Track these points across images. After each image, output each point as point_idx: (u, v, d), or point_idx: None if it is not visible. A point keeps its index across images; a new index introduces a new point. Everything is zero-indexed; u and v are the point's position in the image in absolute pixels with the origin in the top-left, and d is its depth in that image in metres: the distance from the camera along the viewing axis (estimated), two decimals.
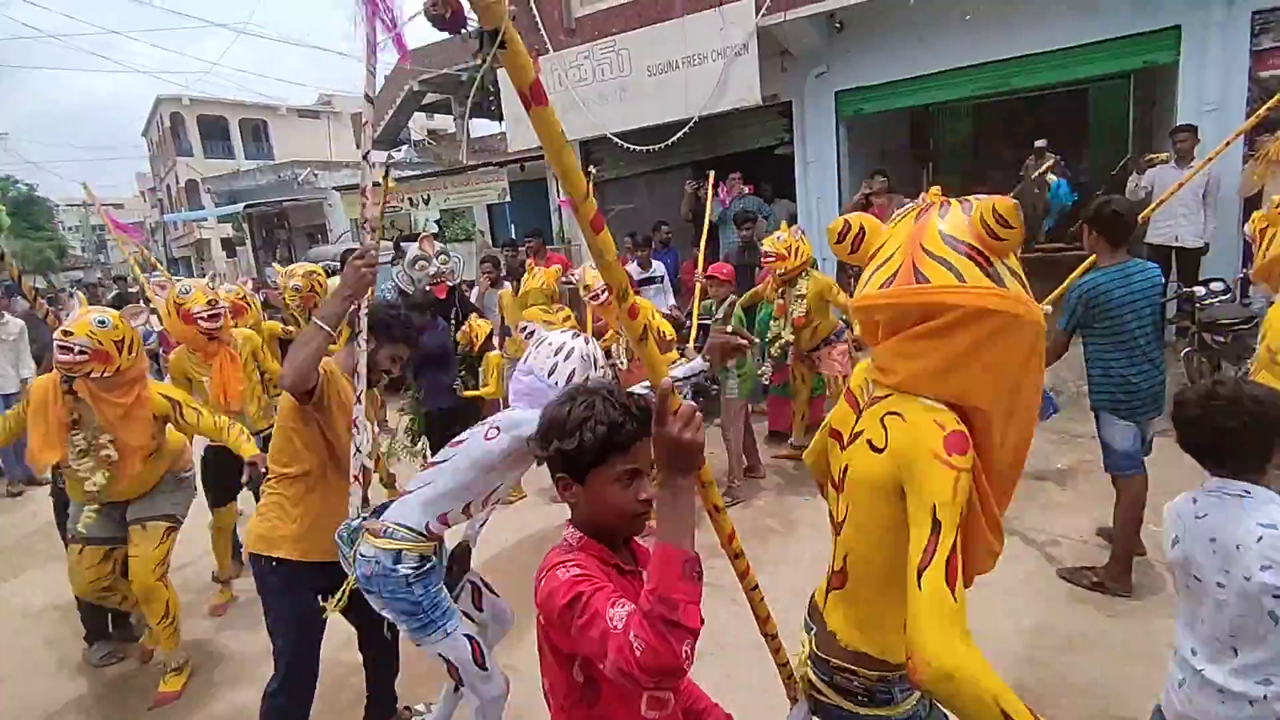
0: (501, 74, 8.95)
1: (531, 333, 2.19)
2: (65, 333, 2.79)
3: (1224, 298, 5.14)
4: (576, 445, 1.21)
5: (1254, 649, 1.50)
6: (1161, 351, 3.23)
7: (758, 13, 6.96)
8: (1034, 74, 6.73)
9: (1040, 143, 7.76)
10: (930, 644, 1.03)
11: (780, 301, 4.89)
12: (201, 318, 3.62)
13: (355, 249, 2.51)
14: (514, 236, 10.52)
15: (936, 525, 1.09)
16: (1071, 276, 3.40)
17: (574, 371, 2.03)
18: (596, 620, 1.09)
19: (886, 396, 1.27)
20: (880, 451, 1.22)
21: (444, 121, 23.42)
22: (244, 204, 18.17)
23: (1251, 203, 5.42)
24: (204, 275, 22.24)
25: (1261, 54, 5.75)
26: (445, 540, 2.29)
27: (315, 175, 18.33)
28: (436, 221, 13.41)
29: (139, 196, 41.05)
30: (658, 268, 6.49)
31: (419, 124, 23.89)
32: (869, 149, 8.43)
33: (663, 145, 7.87)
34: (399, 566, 2.07)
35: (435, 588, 2.15)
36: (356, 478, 2.25)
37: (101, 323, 2.83)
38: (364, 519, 2.19)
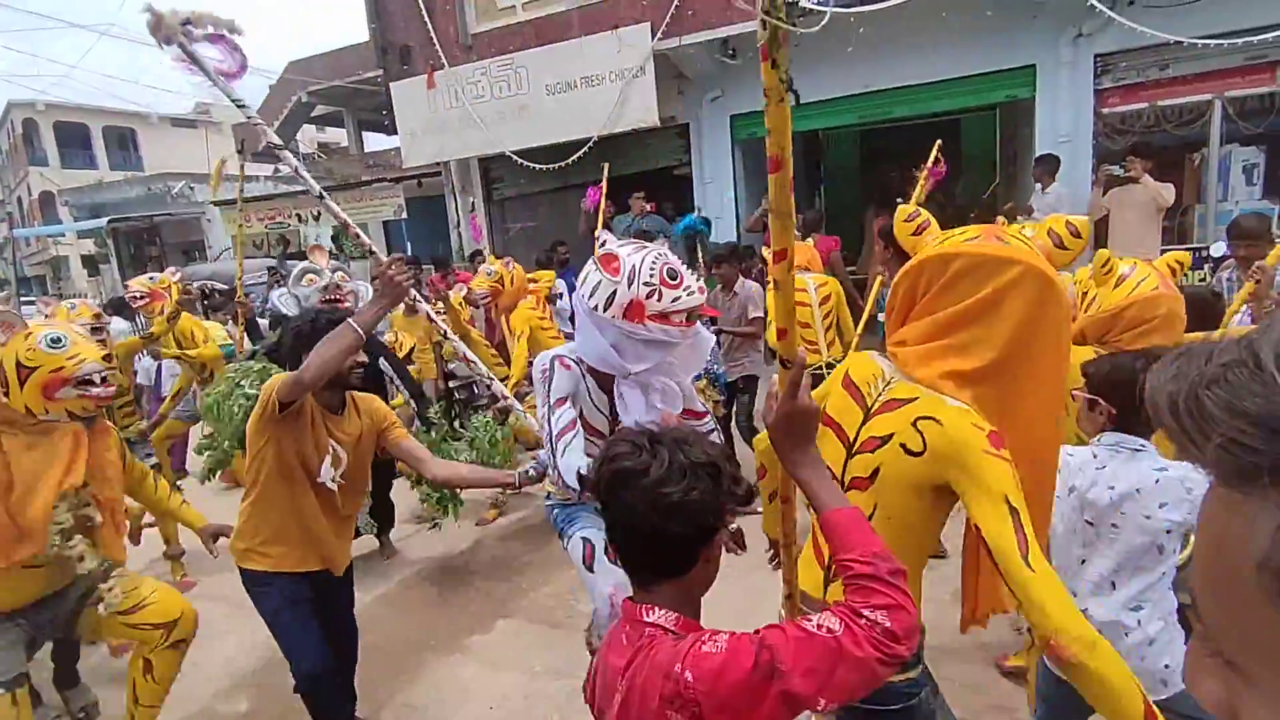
0: (395, 87, 8.71)
1: (603, 242, 2.03)
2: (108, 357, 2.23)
3: None
4: (696, 530, 1.03)
5: (1132, 580, 1.68)
6: None
7: (654, 37, 7.10)
8: (911, 104, 7.21)
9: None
10: (1069, 622, 1.09)
11: None
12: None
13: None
14: (411, 253, 10.19)
15: (1014, 511, 1.17)
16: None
17: (600, 284, 1.85)
18: (808, 646, 0.91)
19: (911, 400, 1.34)
20: (918, 455, 1.29)
21: (336, 135, 22.52)
22: (108, 218, 16.71)
23: (1100, 225, 6.01)
24: (59, 295, 20.28)
25: (1103, 92, 6.40)
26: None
27: (191, 189, 17.14)
28: (333, 239, 12.82)
29: None
30: (559, 286, 6.43)
31: (309, 137, 22.87)
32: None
33: (563, 164, 7.87)
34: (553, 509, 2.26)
35: (576, 512, 2.20)
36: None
37: (56, 340, 2.14)
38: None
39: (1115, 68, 6.32)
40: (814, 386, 4.34)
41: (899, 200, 8.96)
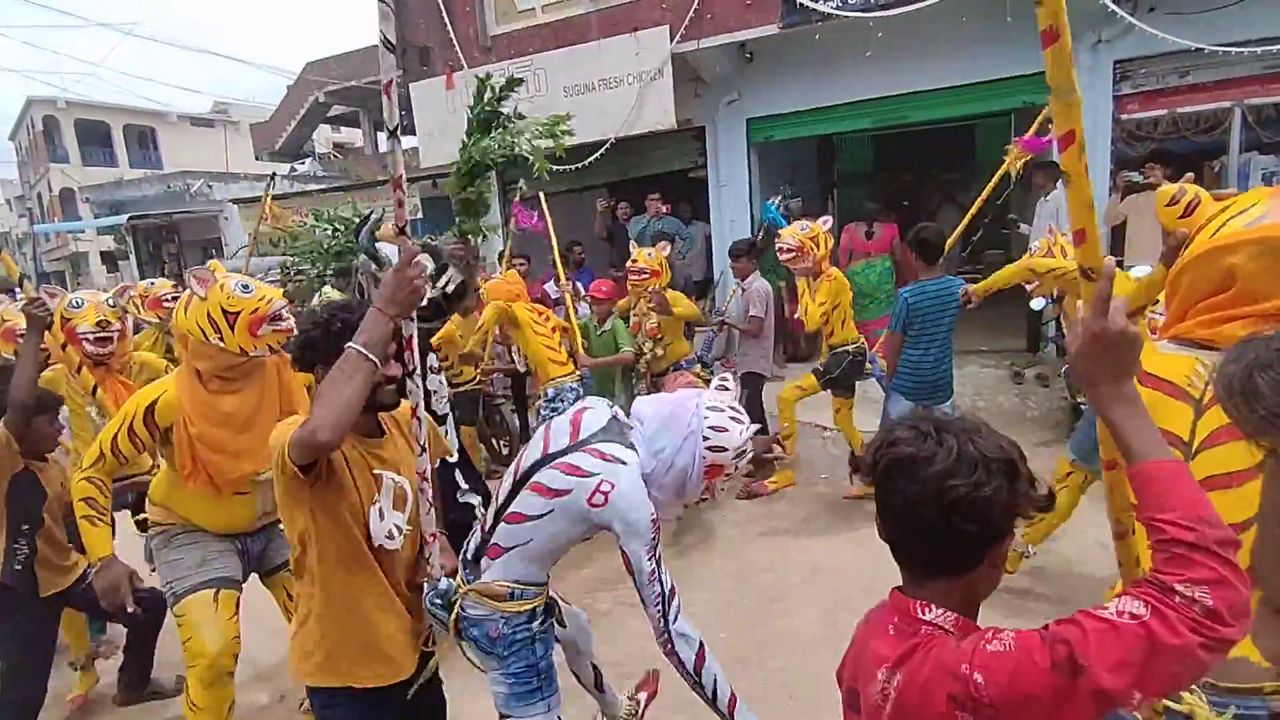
0: (414, 88, 8.79)
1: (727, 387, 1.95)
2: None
3: None
4: (985, 530, 0.94)
5: None
6: (951, 350, 4.15)
7: (672, 39, 7.14)
8: (926, 109, 7.20)
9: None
10: None
11: (636, 319, 4.94)
12: (87, 339, 3.14)
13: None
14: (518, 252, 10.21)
15: None
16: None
17: (721, 447, 1.79)
18: (1113, 638, 0.80)
19: None
20: None
21: (351, 135, 22.72)
22: (128, 215, 16.92)
23: (1117, 231, 5.99)
24: (78, 290, 20.49)
25: (1122, 99, 6.37)
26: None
27: (209, 187, 17.32)
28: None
29: (4, 204, 37.57)
30: (551, 290, 6.52)
31: (325, 137, 23.07)
32: (779, 173, 8.75)
33: (579, 165, 7.91)
34: (531, 625, 1.90)
35: (551, 649, 1.98)
36: (434, 535, 1.91)
37: (246, 287, 2.46)
38: (466, 580, 1.93)
39: (1135, 74, 6.30)
40: (842, 367, 4.26)
41: (904, 203, 8.87)
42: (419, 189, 11.11)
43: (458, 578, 1.95)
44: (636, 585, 1.78)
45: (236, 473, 2.40)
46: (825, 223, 4.67)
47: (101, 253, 25.11)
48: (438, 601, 1.91)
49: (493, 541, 1.90)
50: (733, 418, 1.82)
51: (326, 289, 6.92)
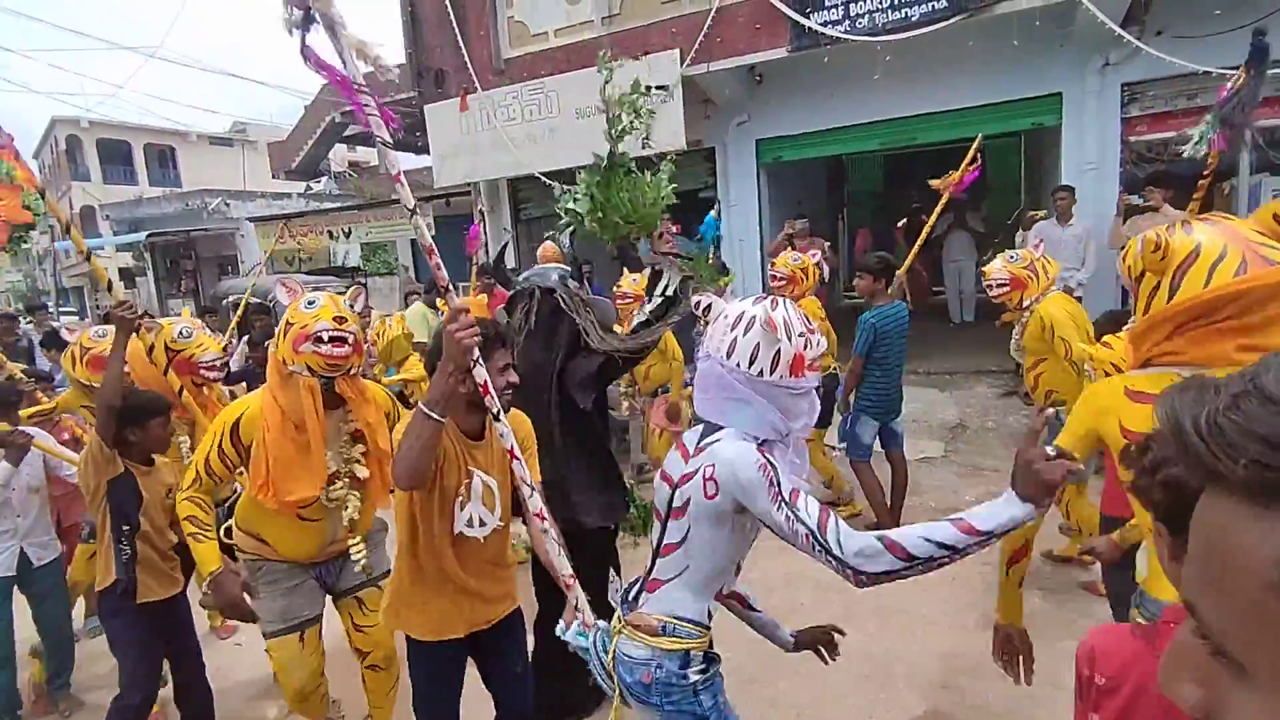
0: (429, 109, 8.94)
1: (708, 306, 1.88)
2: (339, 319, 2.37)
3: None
4: None
5: None
6: (903, 370, 4.36)
7: (682, 63, 7.24)
8: (935, 131, 7.25)
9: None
10: None
11: None
12: (213, 368, 3.24)
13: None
14: (480, 263, 10.33)
15: None
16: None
17: (759, 346, 1.61)
18: None
19: None
20: None
21: (366, 154, 23.03)
22: (147, 233, 17.22)
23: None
24: (96, 306, 20.77)
25: (1130, 121, 6.41)
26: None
27: (227, 205, 17.61)
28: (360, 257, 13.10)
29: None
30: None
31: (340, 156, 23.39)
32: (788, 194, 8.81)
33: None
34: (687, 671, 1.66)
35: (723, 697, 1.75)
36: (572, 578, 1.96)
37: (311, 303, 2.44)
38: (623, 611, 1.78)
39: (1143, 96, 6.33)
40: (832, 387, 4.06)
41: (920, 217, 8.90)
42: (432, 208, 11.26)
43: (614, 620, 1.83)
44: (790, 543, 1.57)
45: (293, 494, 2.33)
46: (814, 255, 4.81)
47: (120, 269, 25.48)
48: (590, 637, 1.86)
49: (652, 576, 1.77)
50: (746, 326, 1.63)
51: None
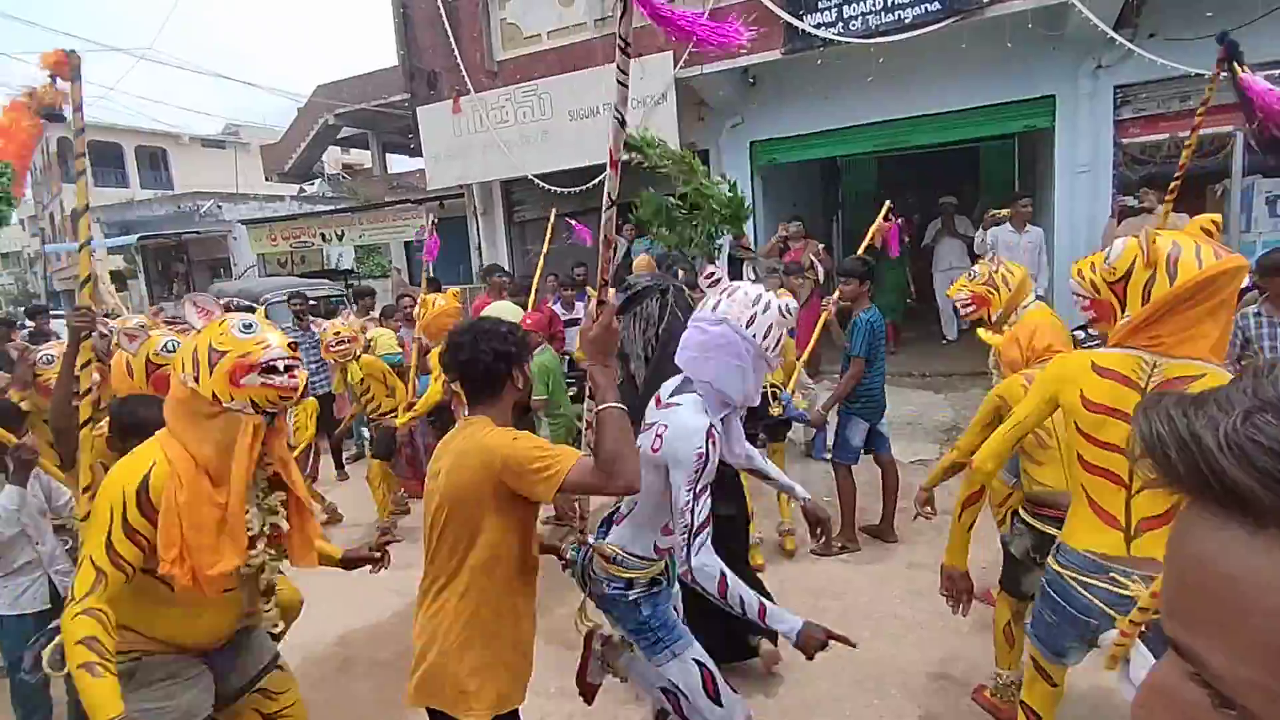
0: (421, 111, 8.91)
1: (718, 280, 2.02)
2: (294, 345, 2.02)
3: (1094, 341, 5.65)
4: None
5: None
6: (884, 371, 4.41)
7: (676, 65, 7.23)
8: (929, 133, 7.25)
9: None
10: None
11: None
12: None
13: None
14: (434, 274, 10.30)
15: None
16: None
17: (772, 326, 1.92)
18: None
19: (1200, 376, 1.68)
20: None
21: (360, 156, 22.96)
22: (138, 235, 17.12)
23: None
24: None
25: (1123, 123, 6.41)
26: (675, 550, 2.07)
27: (219, 207, 17.53)
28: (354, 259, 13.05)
29: (17, 224, 37.98)
30: (580, 309, 6.52)
31: (334, 158, 23.33)
32: (782, 196, 8.80)
33: (584, 188, 7.98)
34: (628, 593, 2.06)
35: (663, 607, 2.10)
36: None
37: (248, 326, 1.99)
38: (597, 536, 2.16)
39: (1135, 99, 6.34)
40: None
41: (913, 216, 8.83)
42: (425, 210, 11.20)
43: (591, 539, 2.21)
44: (671, 513, 1.92)
45: (217, 565, 1.80)
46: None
47: (110, 272, 25.31)
48: (575, 556, 2.21)
49: (618, 511, 2.15)
50: (765, 307, 1.93)
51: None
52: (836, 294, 4.41)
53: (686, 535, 1.85)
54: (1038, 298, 5.91)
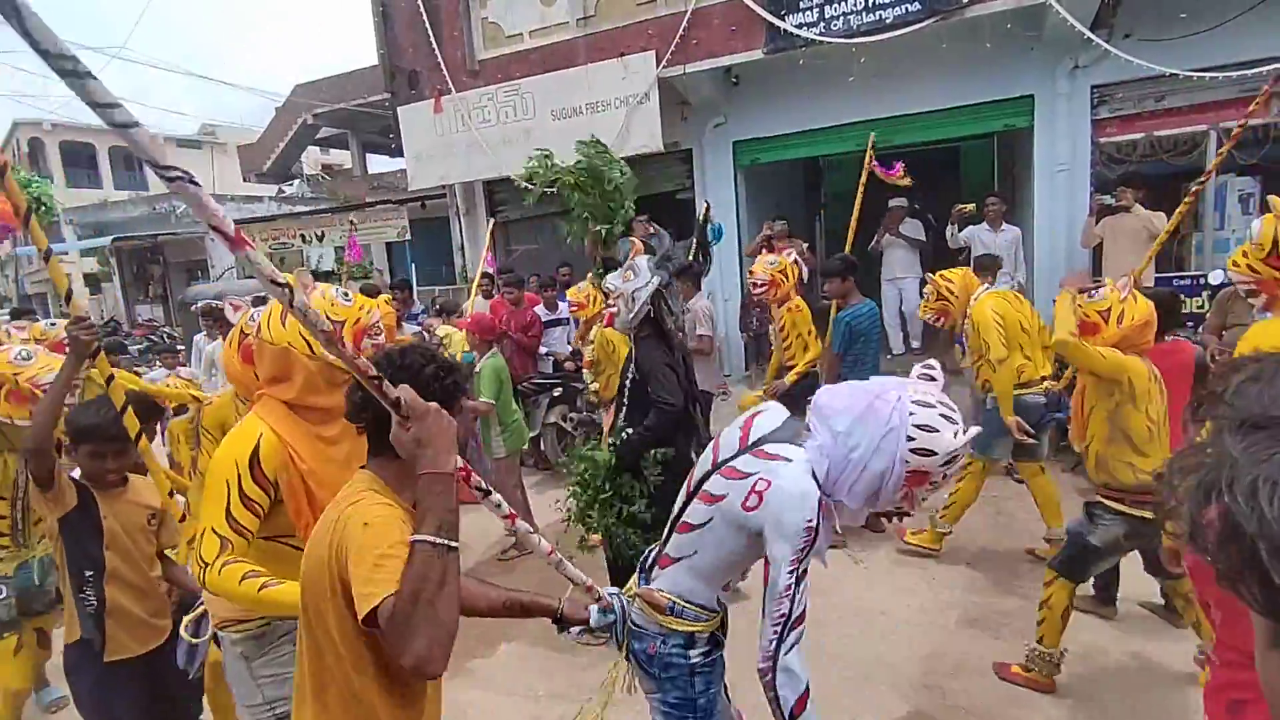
0: (402, 111, 8.83)
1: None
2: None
3: None
4: None
5: None
6: (877, 367, 4.39)
7: (658, 65, 7.22)
8: (910, 132, 7.29)
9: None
10: None
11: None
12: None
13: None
14: (413, 276, 10.26)
15: None
16: None
17: (929, 443, 1.52)
18: None
19: None
20: None
21: (340, 156, 22.76)
22: (112, 237, 16.83)
23: (1096, 251, 6.08)
24: (62, 314, 20.21)
25: (1100, 123, 6.50)
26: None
27: None
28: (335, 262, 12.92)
29: None
30: (563, 310, 6.51)
31: (313, 158, 23.10)
32: (765, 196, 8.82)
33: None
34: (690, 652, 1.72)
35: (716, 689, 1.79)
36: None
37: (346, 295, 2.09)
38: (640, 580, 1.82)
39: (1112, 99, 6.42)
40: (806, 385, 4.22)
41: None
42: (408, 210, 11.12)
43: (630, 586, 1.86)
44: (765, 596, 1.58)
45: None
46: (789, 254, 4.80)
47: (84, 275, 24.89)
48: (611, 620, 1.81)
49: (664, 552, 1.81)
50: (943, 415, 1.55)
51: None
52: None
53: (780, 628, 1.52)
54: (1019, 288, 6.04)
